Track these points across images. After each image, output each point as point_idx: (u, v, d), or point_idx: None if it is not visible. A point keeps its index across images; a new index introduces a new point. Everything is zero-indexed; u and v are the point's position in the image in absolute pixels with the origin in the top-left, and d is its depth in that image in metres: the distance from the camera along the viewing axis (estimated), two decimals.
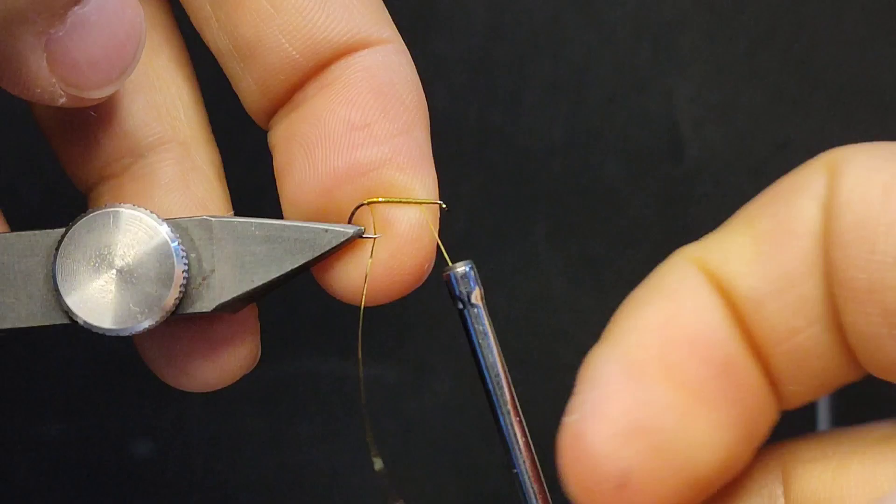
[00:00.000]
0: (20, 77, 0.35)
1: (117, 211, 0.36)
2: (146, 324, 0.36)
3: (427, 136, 0.38)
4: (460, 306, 0.37)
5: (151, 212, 0.36)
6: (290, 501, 0.65)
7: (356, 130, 0.37)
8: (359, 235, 0.37)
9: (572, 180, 0.66)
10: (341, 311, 0.69)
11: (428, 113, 0.39)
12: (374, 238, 0.37)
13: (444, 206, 0.37)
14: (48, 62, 0.35)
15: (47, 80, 0.35)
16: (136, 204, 0.38)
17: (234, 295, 0.36)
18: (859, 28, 0.66)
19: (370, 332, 0.66)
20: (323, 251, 0.36)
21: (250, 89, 0.38)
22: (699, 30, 0.67)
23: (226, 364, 0.40)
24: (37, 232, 0.37)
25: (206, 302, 0.36)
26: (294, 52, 0.37)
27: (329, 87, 0.37)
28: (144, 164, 0.39)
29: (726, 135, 0.66)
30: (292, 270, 0.36)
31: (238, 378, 0.40)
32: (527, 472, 0.36)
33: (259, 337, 0.40)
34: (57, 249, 0.36)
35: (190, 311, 0.36)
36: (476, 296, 0.37)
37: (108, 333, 0.36)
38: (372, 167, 0.37)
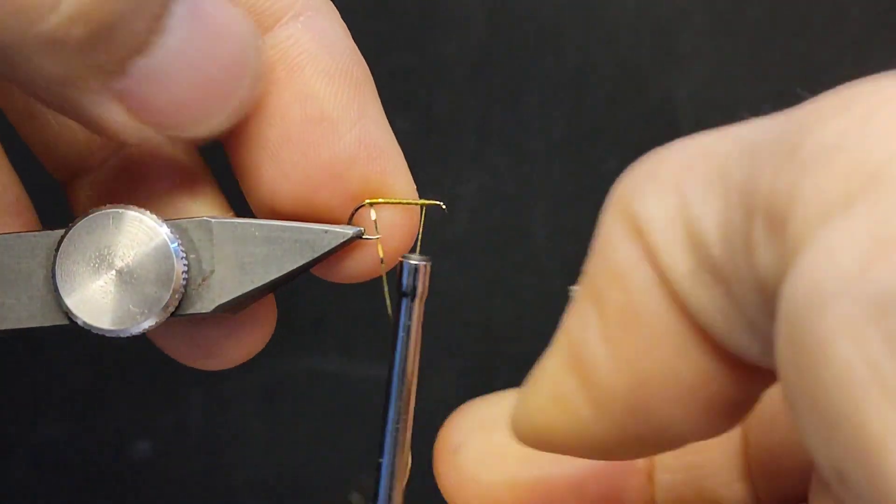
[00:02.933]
0: (104, 129, 0.33)
1: (117, 212, 0.36)
2: (145, 325, 0.36)
3: (380, 110, 0.37)
4: (404, 295, 0.37)
5: (151, 213, 0.36)
6: (290, 501, 0.65)
7: (314, 125, 0.35)
8: (359, 236, 0.37)
9: (572, 180, 0.66)
10: (341, 311, 0.69)
11: (372, 80, 0.37)
12: (377, 238, 0.37)
13: (443, 206, 0.37)
14: (127, 112, 0.32)
15: (136, 128, 0.33)
16: (123, 196, 0.38)
17: (234, 296, 0.36)
18: (859, 28, 0.66)
19: (370, 332, 0.66)
20: (323, 252, 0.36)
21: None
22: (700, 29, 0.67)
23: (248, 344, 0.39)
24: (37, 233, 0.37)
25: (206, 303, 0.36)
26: None
27: (274, 77, 0.35)
28: (127, 154, 0.38)
29: None
30: (292, 271, 0.36)
31: (258, 350, 0.39)
32: (391, 473, 0.38)
33: (276, 312, 0.39)
34: (57, 250, 0.36)
35: (190, 311, 0.36)
36: (420, 291, 0.37)
37: (107, 334, 0.36)
38: (344, 167, 0.36)
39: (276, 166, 0.35)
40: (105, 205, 0.36)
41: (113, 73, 0.31)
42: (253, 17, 0.34)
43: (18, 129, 0.39)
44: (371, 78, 0.36)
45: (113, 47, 0.31)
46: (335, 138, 0.35)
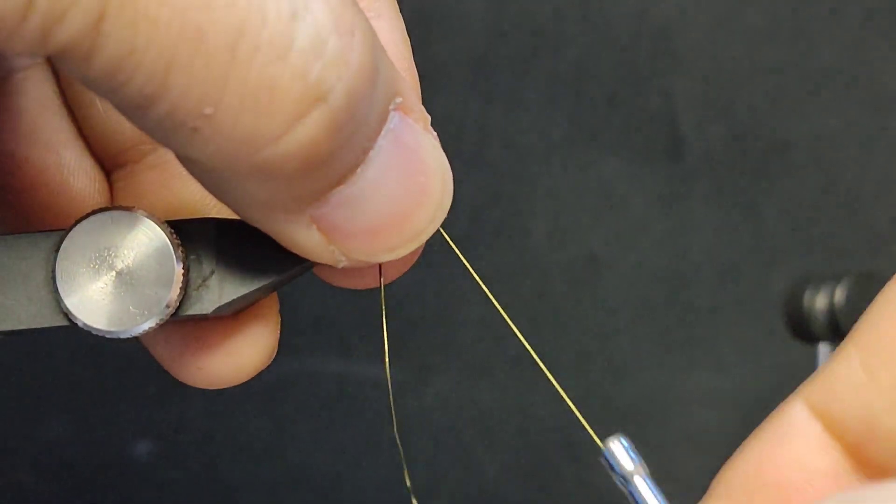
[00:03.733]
0: (294, 247, 0.34)
1: (117, 213, 0.36)
2: (145, 326, 0.35)
3: None
4: (621, 482, 0.36)
5: (152, 213, 0.36)
6: (290, 501, 0.65)
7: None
8: None
9: (572, 180, 0.66)
10: (341, 311, 0.69)
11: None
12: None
13: None
14: (320, 234, 0.34)
15: (327, 250, 0.34)
16: (155, 194, 0.38)
17: (234, 297, 0.36)
18: (859, 28, 0.66)
19: (370, 332, 0.66)
20: None
21: None
22: (699, 29, 0.67)
23: (243, 358, 0.39)
24: (37, 233, 0.36)
25: (206, 304, 0.36)
26: None
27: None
28: (164, 151, 0.39)
29: (726, 135, 0.66)
30: (293, 272, 0.36)
31: (256, 373, 0.40)
32: None
33: (279, 329, 0.39)
34: (57, 251, 0.36)
35: (190, 313, 0.36)
36: (637, 470, 0.36)
37: (107, 335, 0.35)
38: None
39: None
40: (107, 206, 0.36)
41: (314, 200, 0.32)
42: None
43: (76, 113, 0.40)
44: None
45: (320, 178, 0.32)
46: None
